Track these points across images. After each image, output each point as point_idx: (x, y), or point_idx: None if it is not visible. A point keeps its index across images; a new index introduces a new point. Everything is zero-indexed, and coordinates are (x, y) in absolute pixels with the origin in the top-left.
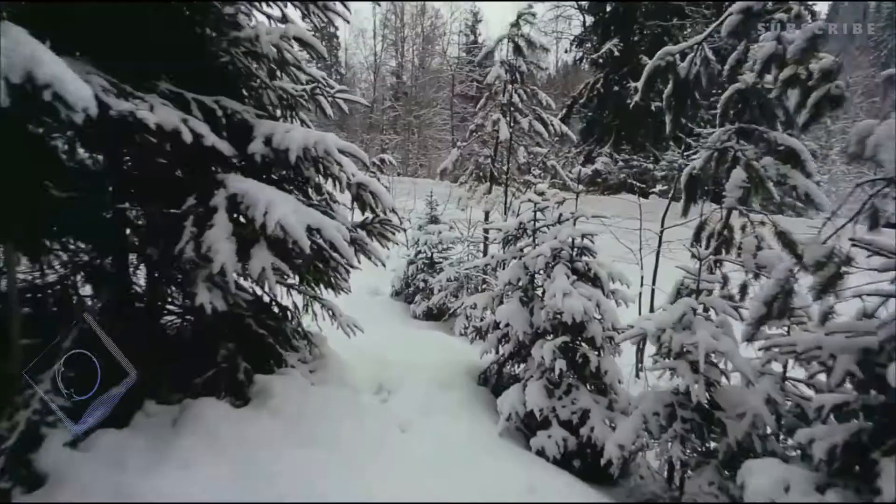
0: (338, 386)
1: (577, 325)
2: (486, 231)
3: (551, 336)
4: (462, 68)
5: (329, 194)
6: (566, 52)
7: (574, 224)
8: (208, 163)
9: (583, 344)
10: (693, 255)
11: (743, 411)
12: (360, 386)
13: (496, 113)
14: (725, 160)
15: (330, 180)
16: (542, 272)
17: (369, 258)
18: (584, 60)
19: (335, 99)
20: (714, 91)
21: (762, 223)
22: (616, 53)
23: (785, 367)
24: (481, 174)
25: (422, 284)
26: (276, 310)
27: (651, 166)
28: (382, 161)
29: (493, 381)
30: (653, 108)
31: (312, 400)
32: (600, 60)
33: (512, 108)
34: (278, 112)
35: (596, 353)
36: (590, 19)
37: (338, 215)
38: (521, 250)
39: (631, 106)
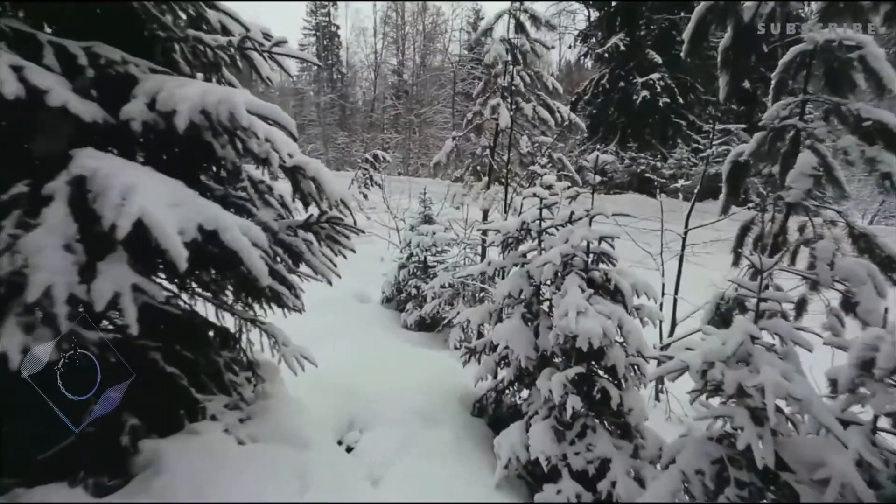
0: (279, 441)
1: (595, 351)
2: (483, 232)
3: (561, 360)
4: (463, 66)
5: (269, 187)
6: (570, 48)
7: (590, 224)
8: (71, 134)
9: (601, 374)
10: (735, 264)
11: (825, 477)
12: (320, 430)
13: (496, 98)
14: (783, 141)
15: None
16: (549, 283)
17: (314, 270)
18: (589, 56)
19: (273, 55)
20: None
21: (831, 223)
22: (622, 48)
23: (876, 416)
24: (479, 168)
25: (414, 291)
26: (211, 334)
27: (659, 164)
28: (376, 157)
29: (491, 412)
30: (660, 103)
31: (227, 472)
32: (606, 55)
33: (513, 93)
34: (199, 75)
35: (617, 385)
36: (595, 14)
37: (263, 213)
38: (524, 255)
39: (637, 102)
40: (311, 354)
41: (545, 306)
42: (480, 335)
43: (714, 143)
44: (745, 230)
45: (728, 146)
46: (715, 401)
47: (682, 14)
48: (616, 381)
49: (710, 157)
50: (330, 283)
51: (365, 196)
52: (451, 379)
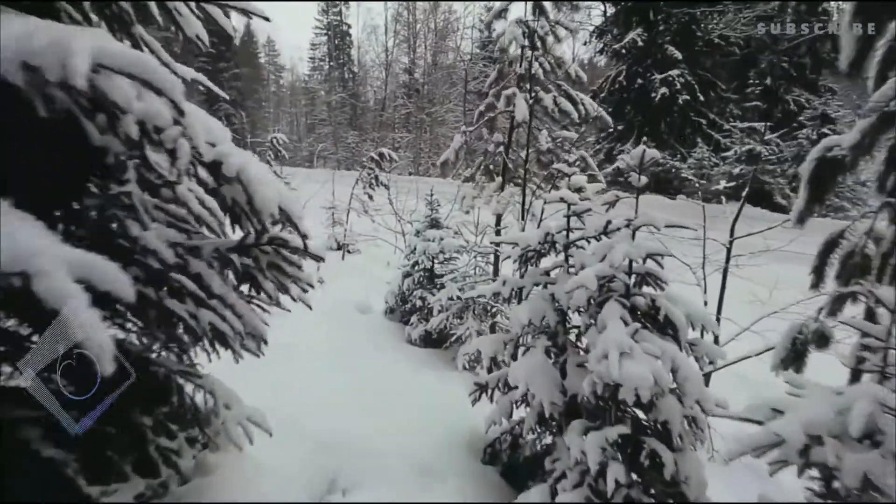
0: None
1: (643, 403)
2: (495, 245)
3: (594, 405)
4: (476, 64)
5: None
6: (584, 44)
7: (632, 237)
8: None
9: (650, 432)
10: (816, 286)
11: None
12: (288, 495)
13: (511, 87)
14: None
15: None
16: (582, 311)
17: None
18: (605, 53)
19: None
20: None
21: None
22: (639, 44)
23: None
24: (492, 167)
25: (419, 303)
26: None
27: (678, 164)
28: (382, 156)
29: (505, 458)
30: (680, 101)
31: None
32: (622, 51)
33: (532, 81)
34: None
35: (670, 446)
36: (611, 9)
37: (151, 235)
38: (548, 274)
39: (656, 99)
40: (264, 419)
41: (573, 335)
42: (494, 363)
43: (738, 142)
44: (831, 245)
45: (752, 145)
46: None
47: (703, 8)
48: (669, 442)
49: (738, 156)
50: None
51: (370, 197)
52: (458, 416)
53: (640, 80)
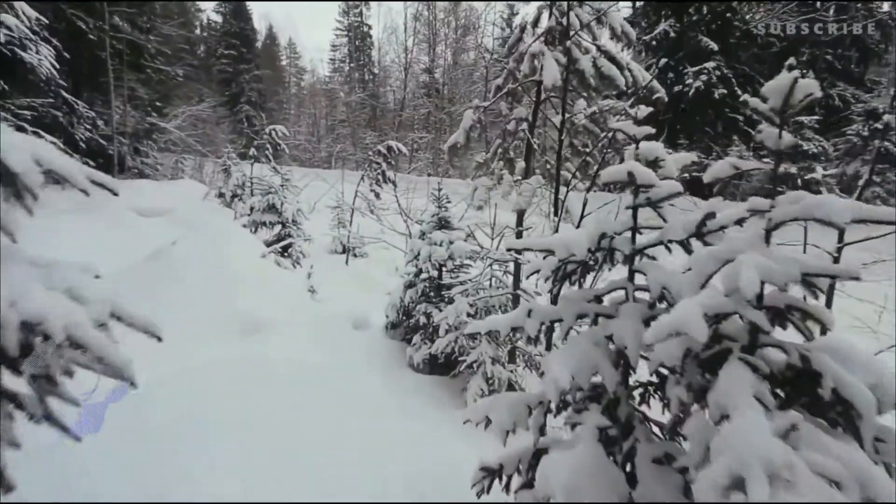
0: None
1: None
2: (515, 251)
3: None
4: (498, 62)
5: None
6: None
7: (766, 241)
8: None
9: None
10: None
11: None
12: None
13: (538, 45)
14: None
15: None
16: (675, 372)
17: None
18: (634, 46)
19: None
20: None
21: None
22: (671, 35)
23: None
24: (511, 152)
25: (423, 319)
26: None
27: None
28: (389, 149)
29: None
30: (716, 95)
31: None
32: (653, 43)
33: (564, 35)
34: None
35: None
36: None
37: None
38: (599, 300)
39: (690, 94)
40: None
41: (646, 407)
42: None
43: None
44: None
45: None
46: None
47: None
48: None
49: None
50: None
51: (377, 195)
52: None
53: (671, 74)
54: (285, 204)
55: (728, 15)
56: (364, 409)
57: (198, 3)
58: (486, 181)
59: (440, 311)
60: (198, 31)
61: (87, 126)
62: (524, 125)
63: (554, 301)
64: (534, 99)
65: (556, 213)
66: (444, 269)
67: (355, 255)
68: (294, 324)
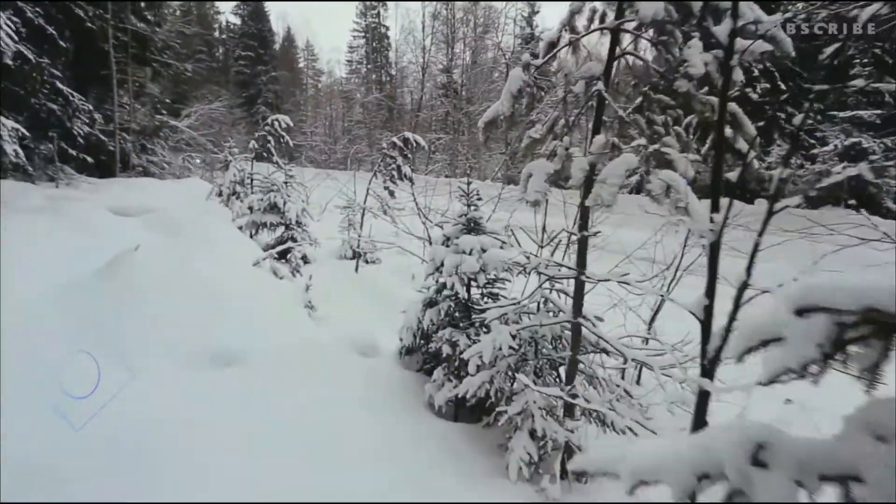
0: None
1: None
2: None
3: None
4: (517, 61)
5: None
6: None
7: None
8: None
9: None
10: None
11: None
12: None
13: None
14: None
15: None
16: None
17: None
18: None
19: None
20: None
21: None
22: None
23: None
24: (565, 125)
25: (447, 349)
26: None
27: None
28: (406, 141)
29: None
30: (758, 89)
31: None
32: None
33: None
34: None
35: None
36: None
37: None
38: None
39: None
40: None
41: None
42: None
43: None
44: None
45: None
46: None
47: None
48: None
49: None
50: None
51: (391, 193)
52: None
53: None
54: (288, 203)
55: (772, 5)
56: (357, 472)
57: (216, 4)
58: (544, 164)
59: (469, 339)
60: (216, 34)
61: (84, 120)
62: (597, 83)
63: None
64: (606, 54)
65: (715, 200)
66: (474, 284)
67: (366, 261)
68: (280, 352)
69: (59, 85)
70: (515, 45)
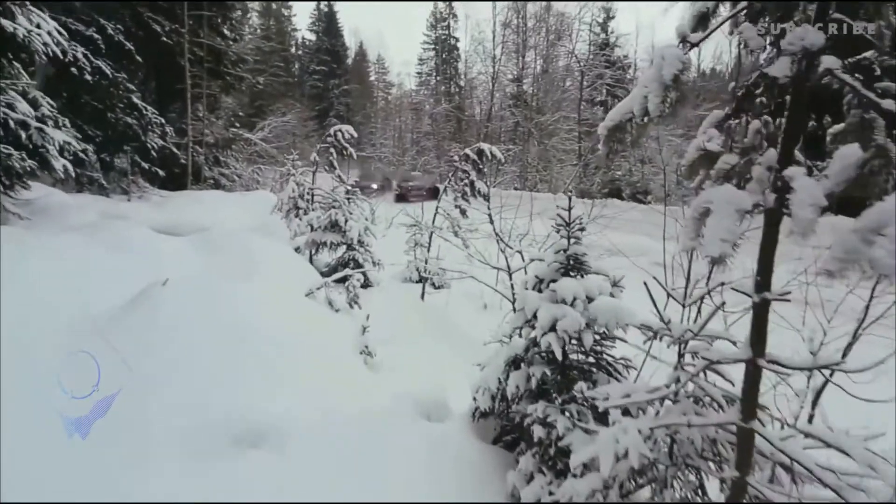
0: None
1: None
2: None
3: None
4: (594, 68)
5: None
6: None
7: None
8: None
9: None
10: None
11: None
12: None
13: None
14: None
15: None
16: None
17: None
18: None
19: None
20: None
21: None
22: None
23: None
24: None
25: (539, 431)
26: None
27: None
28: (480, 153)
29: None
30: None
31: None
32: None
33: None
34: None
35: None
36: None
37: None
38: None
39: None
40: None
41: None
42: None
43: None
44: None
45: None
46: None
47: None
48: None
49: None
50: None
51: (463, 212)
52: None
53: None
54: (350, 221)
55: None
56: None
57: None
58: (733, 193)
59: (569, 419)
60: (293, 49)
61: (157, 132)
62: (824, 64)
63: None
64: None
65: None
66: (576, 344)
67: (434, 286)
68: (326, 423)
69: (135, 99)
70: (590, 53)
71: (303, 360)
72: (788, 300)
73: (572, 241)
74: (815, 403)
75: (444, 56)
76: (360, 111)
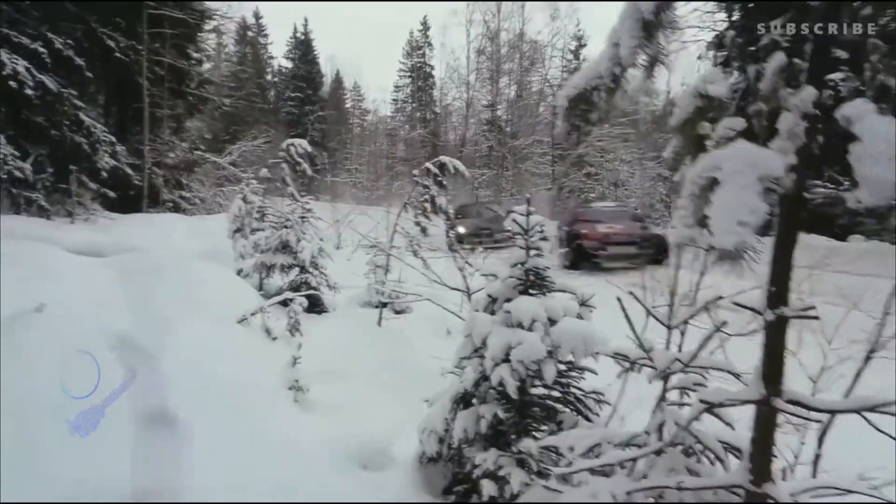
0: None
1: None
2: None
3: None
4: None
5: None
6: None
7: None
8: None
9: None
10: None
11: None
12: None
13: None
14: None
15: None
16: None
17: None
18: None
19: None
20: None
21: None
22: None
23: None
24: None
25: (489, 488)
26: None
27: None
28: (442, 167)
29: None
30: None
31: None
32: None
33: None
34: None
35: None
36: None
37: None
38: None
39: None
40: None
41: None
42: None
43: None
44: None
45: None
46: None
47: None
48: None
49: None
50: None
51: (422, 229)
52: None
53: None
54: (302, 241)
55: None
56: None
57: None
58: (754, 151)
59: (527, 473)
60: (269, 76)
61: (107, 151)
62: None
63: None
64: None
65: None
66: (535, 378)
67: (395, 311)
68: (230, 481)
69: (83, 116)
70: (563, 79)
71: (212, 402)
72: (816, 317)
73: (532, 252)
74: (821, 442)
75: (419, 83)
76: (335, 137)
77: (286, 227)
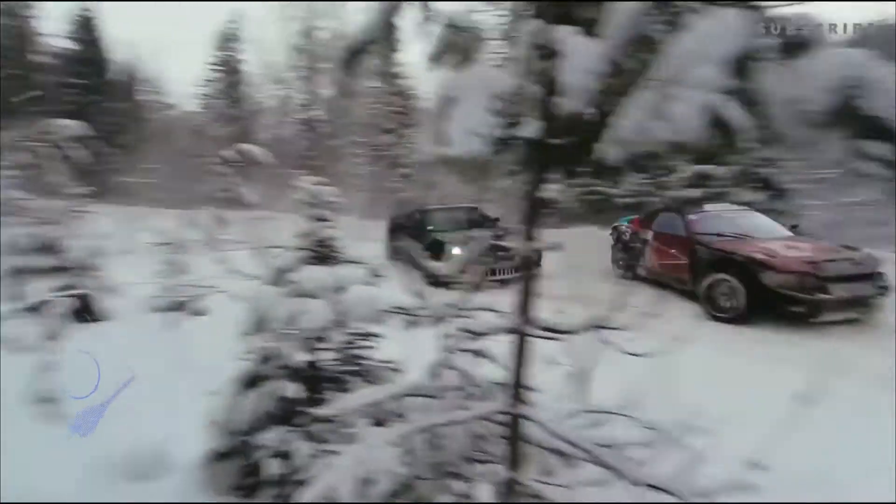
0: None
1: None
2: None
3: None
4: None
5: None
6: None
7: None
8: None
9: None
10: None
11: None
12: None
13: None
14: None
15: None
16: None
17: None
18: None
19: None
20: None
21: None
22: None
23: None
24: None
25: (274, 466)
26: None
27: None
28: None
29: None
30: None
31: None
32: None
33: None
34: None
35: None
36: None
37: None
38: None
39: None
40: None
41: None
42: None
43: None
44: None
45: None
46: None
47: None
48: None
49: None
50: None
51: (221, 221)
52: None
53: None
54: (70, 241)
55: None
56: None
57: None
58: (489, 73)
59: (316, 444)
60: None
61: None
62: None
63: None
64: None
65: None
66: (322, 345)
67: (195, 314)
68: None
69: None
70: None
71: None
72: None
73: (322, 223)
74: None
75: (230, 78)
76: (130, 133)
77: (49, 223)
